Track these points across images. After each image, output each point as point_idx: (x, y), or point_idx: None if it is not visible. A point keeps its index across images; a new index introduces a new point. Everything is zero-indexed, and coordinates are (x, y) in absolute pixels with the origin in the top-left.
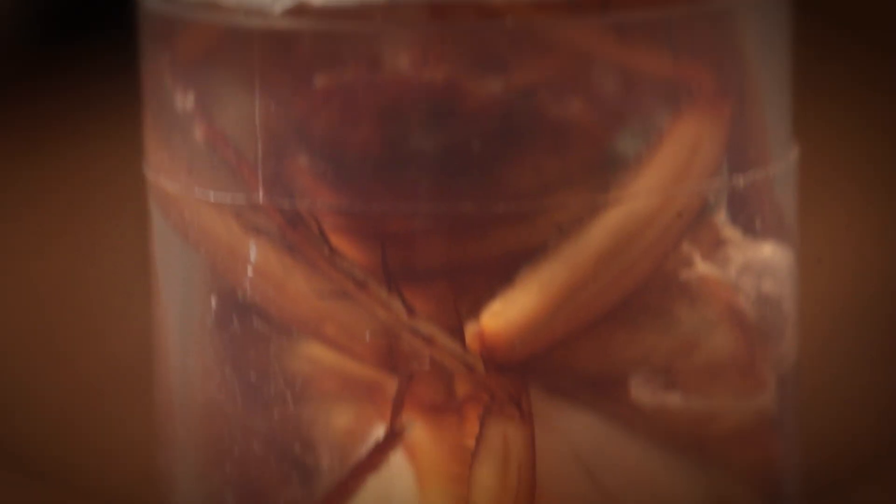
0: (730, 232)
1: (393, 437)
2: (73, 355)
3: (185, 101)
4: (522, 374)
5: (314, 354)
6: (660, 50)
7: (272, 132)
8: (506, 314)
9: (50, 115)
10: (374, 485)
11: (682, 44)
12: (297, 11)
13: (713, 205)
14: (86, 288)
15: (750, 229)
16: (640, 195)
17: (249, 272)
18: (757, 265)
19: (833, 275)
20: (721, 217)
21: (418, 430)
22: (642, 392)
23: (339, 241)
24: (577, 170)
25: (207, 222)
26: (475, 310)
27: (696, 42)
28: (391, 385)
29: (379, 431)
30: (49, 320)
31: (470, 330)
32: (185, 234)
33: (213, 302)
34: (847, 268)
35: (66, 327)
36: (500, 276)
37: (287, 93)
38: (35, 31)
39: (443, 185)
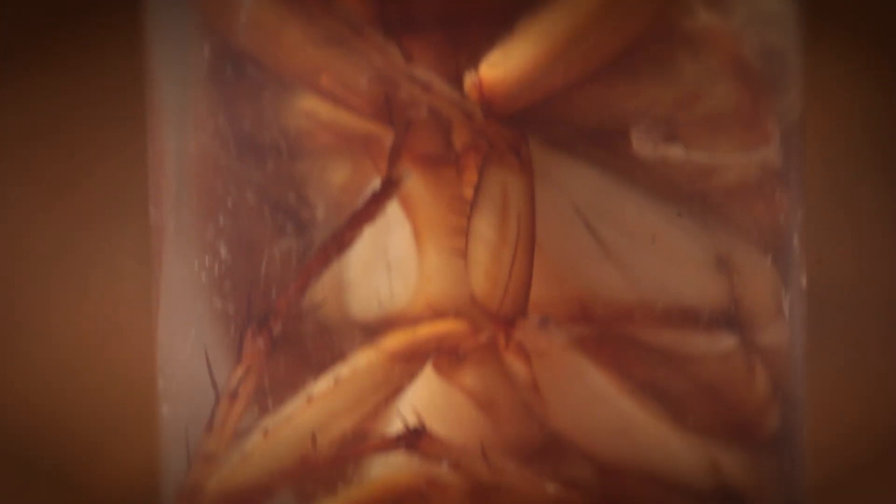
0: None
1: (389, 185)
2: None
3: None
4: (521, 124)
5: (310, 108)
6: None
7: None
8: (504, 64)
9: None
10: (370, 237)
11: None
12: None
13: None
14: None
15: None
16: None
17: (243, 20)
18: (762, 16)
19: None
20: None
21: (415, 183)
22: (643, 144)
23: None
24: None
25: None
26: (473, 60)
27: None
28: (388, 137)
29: (375, 184)
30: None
31: (468, 80)
32: None
33: (206, 51)
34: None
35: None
36: (499, 25)
37: None
38: None
39: None
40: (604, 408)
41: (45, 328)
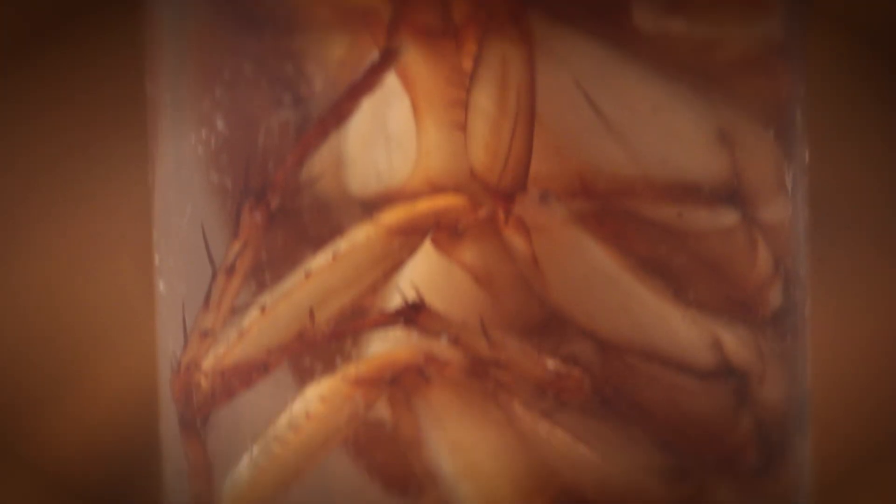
0: None
1: (388, 56)
2: None
3: None
4: None
5: None
6: None
7: None
8: None
9: None
10: (369, 110)
11: None
12: None
13: None
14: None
15: None
16: None
17: None
18: None
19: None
20: None
21: (414, 56)
22: (645, 17)
23: None
24: None
25: None
26: None
27: None
28: (386, 11)
29: (374, 57)
30: None
31: None
32: None
33: None
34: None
35: None
36: None
37: None
38: None
39: None
40: (604, 283)
41: (43, 208)
